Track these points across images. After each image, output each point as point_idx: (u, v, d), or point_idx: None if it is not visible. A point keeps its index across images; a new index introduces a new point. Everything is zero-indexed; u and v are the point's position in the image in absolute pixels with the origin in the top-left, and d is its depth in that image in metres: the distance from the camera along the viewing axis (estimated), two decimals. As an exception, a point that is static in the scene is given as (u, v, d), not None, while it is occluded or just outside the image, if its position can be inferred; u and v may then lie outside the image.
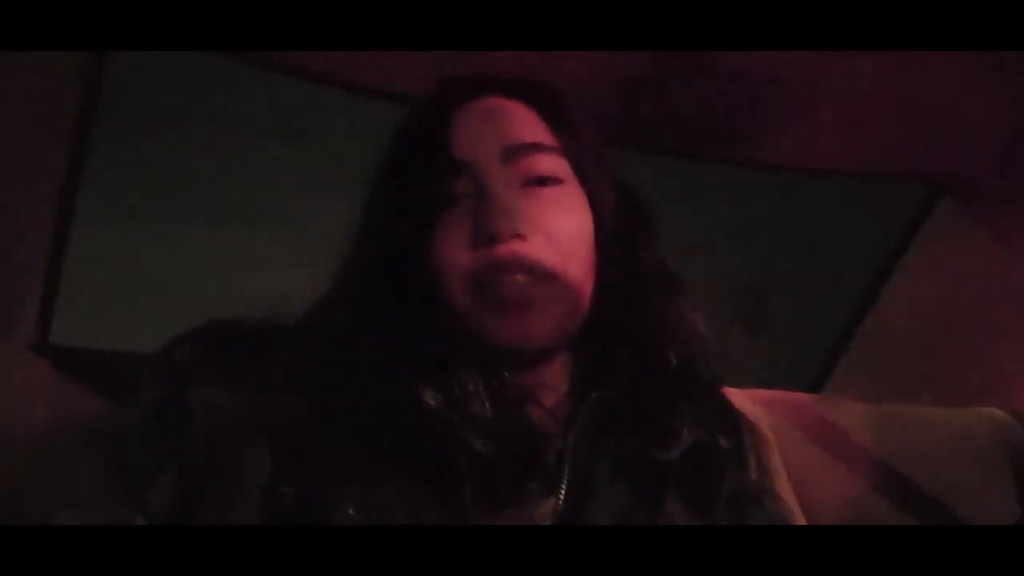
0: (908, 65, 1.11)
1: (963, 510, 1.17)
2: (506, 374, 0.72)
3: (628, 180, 0.82)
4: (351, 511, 0.63)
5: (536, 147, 0.75)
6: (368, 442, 0.66)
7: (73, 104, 0.93)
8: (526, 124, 0.76)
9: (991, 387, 1.42)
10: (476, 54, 0.93)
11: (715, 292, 0.82)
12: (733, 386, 1.20)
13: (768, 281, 1.42)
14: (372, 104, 1.12)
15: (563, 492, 0.69)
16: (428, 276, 0.72)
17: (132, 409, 0.68)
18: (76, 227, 1.02)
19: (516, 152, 0.74)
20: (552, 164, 0.75)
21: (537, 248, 0.71)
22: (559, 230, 0.73)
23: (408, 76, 1.06)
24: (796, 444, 1.17)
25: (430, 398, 0.67)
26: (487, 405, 0.69)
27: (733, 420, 0.80)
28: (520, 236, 0.71)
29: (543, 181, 0.74)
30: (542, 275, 0.71)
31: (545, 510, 0.68)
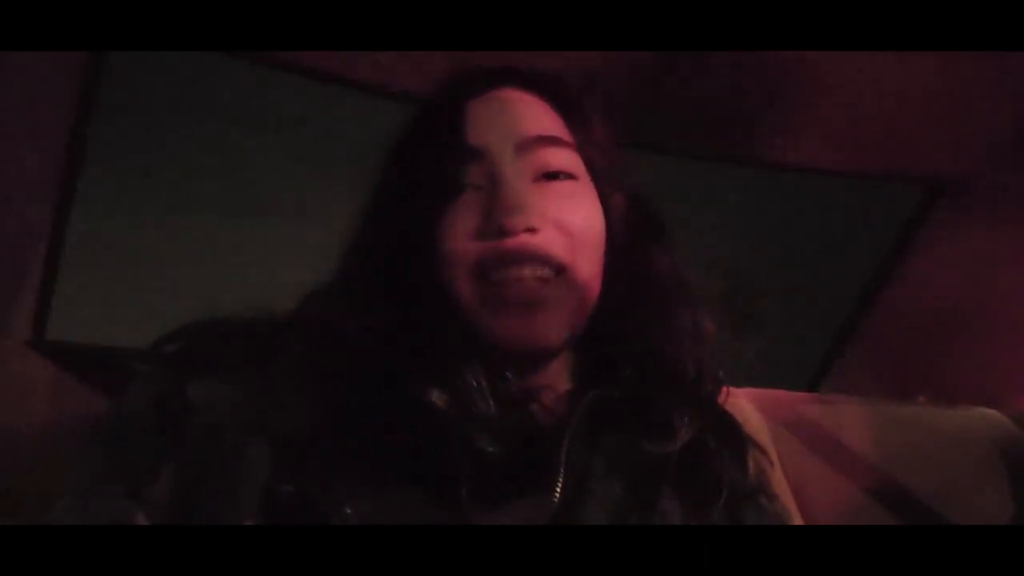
0: (908, 65, 1.11)
1: (958, 510, 1.17)
2: (508, 375, 0.71)
3: (642, 186, 0.81)
4: (348, 511, 0.63)
5: (550, 141, 0.74)
6: (368, 442, 0.66)
7: (73, 103, 0.93)
8: (541, 117, 0.75)
9: (989, 387, 1.42)
10: (476, 53, 0.93)
11: (709, 291, 0.81)
12: (728, 385, 1.20)
13: (766, 280, 1.42)
14: (375, 99, 1.12)
15: (559, 489, 0.69)
16: (434, 267, 0.71)
17: (131, 402, 0.67)
18: (74, 223, 1.02)
19: (530, 145, 0.73)
20: (565, 159, 0.74)
21: (547, 241, 0.71)
22: (570, 224, 0.72)
23: (409, 74, 1.06)
24: (791, 443, 1.17)
25: (437, 398, 0.67)
26: (491, 404, 0.68)
27: (730, 419, 0.80)
28: (531, 230, 0.70)
29: (555, 175, 0.74)
30: (552, 268, 0.70)
31: (541, 507, 0.68)
